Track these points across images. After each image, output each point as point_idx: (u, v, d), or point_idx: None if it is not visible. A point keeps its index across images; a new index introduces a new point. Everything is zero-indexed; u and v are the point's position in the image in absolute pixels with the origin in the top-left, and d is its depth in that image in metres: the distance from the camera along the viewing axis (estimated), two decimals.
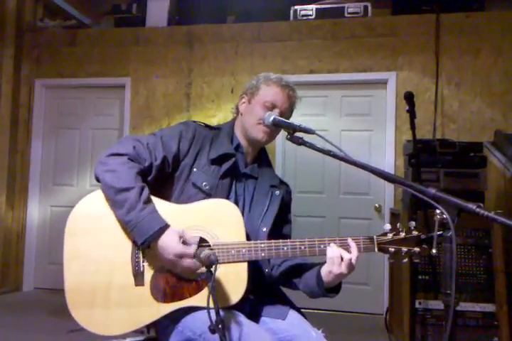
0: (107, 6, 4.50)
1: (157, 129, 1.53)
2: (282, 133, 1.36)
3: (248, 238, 1.32)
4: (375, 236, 1.31)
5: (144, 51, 4.16)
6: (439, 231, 1.05)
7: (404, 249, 1.29)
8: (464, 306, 2.46)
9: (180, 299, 1.25)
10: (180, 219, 1.27)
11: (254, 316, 1.36)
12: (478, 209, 0.97)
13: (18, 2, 4.22)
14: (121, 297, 1.24)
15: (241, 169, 1.47)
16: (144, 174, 1.32)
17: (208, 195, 1.36)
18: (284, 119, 1.37)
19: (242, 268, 1.28)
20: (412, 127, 2.28)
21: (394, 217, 3.15)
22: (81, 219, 1.29)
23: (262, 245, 1.29)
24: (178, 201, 1.36)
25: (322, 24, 3.86)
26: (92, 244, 1.27)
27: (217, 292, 1.19)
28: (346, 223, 3.81)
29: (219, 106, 4.01)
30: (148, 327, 1.35)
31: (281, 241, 1.31)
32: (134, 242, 1.26)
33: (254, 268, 1.36)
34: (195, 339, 1.22)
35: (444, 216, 1.01)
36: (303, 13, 3.90)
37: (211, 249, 1.24)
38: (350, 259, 1.26)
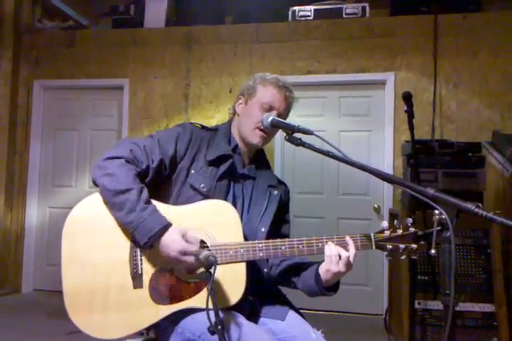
0: (105, 7, 4.48)
1: (155, 130, 1.52)
2: (281, 134, 1.36)
3: (247, 238, 1.32)
4: (372, 234, 1.31)
5: (142, 52, 4.15)
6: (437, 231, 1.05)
7: (402, 246, 1.29)
8: (463, 306, 2.46)
9: (180, 301, 1.25)
10: (178, 221, 1.27)
11: (254, 317, 1.36)
12: (476, 210, 0.97)
13: (16, 3, 4.22)
14: (120, 299, 1.24)
15: (239, 170, 1.47)
16: (141, 176, 1.32)
17: (205, 196, 1.36)
18: (282, 120, 1.37)
19: (241, 269, 1.27)
20: (411, 127, 2.28)
21: (393, 217, 3.14)
22: (78, 221, 1.29)
23: (260, 245, 1.29)
24: (176, 203, 1.36)
25: (320, 25, 3.86)
26: (89, 246, 1.26)
27: (217, 293, 1.18)
28: (345, 224, 3.81)
29: (217, 107, 4.00)
30: (148, 328, 1.35)
31: (279, 240, 1.31)
32: (136, 243, 1.26)
33: (253, 269, 1.35)
34: None
35: (443, 216, 1.01)
36: (301, 13, 3.90)
37: (209, 250, 1.24)
38: (348, 257, 1.26)
